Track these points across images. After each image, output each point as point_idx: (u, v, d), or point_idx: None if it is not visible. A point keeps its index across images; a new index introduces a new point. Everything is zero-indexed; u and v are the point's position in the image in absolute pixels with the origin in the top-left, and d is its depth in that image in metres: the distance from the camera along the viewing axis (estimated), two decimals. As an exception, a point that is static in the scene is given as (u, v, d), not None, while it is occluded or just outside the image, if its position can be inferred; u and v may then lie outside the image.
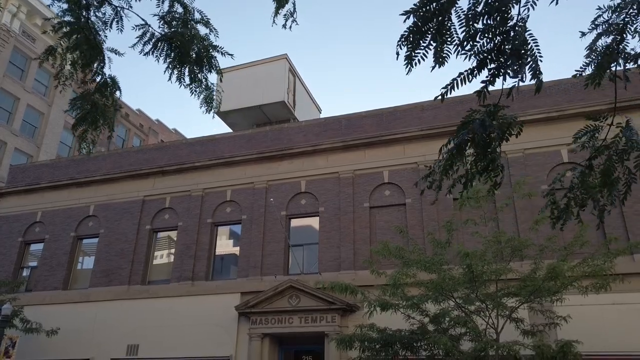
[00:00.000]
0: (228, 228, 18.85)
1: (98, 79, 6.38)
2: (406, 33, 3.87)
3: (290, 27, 6.27)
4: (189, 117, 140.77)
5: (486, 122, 4.01)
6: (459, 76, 3.95)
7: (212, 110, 6.60)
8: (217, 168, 19.11)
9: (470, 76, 3.91)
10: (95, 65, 6.27)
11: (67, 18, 5.97)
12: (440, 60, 3.90)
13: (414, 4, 3.82)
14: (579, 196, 4.91)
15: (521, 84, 3.92)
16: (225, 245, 18.64)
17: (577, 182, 4.86)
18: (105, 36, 6.17)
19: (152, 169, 19.87)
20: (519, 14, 3.70)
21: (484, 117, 4.04)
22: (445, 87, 4.01)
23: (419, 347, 10.84)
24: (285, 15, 6.17)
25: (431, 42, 3.87)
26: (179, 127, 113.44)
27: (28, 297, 19.07)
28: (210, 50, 6.22)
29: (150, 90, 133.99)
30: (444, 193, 4.87)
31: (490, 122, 4.04)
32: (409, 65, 3.93)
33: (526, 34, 3.68)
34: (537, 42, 3.72)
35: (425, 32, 3.84)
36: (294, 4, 6.15)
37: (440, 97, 4.01)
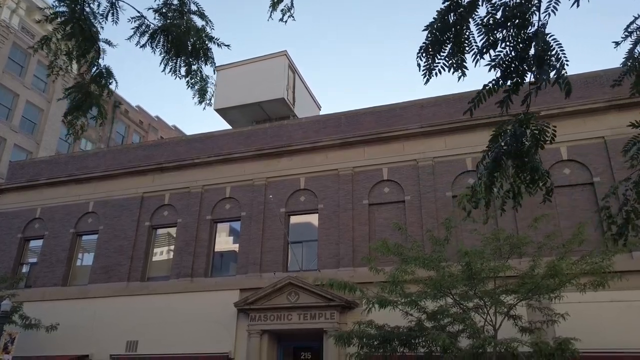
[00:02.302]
0: (227, 225, 18.86)
1: (93, 70, 6.38)
2: (425, 44, 3.85)
3: (286, 21, 6.25)
4: (188, 114, 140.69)
5: (517, 131, 3.95)
6: (484, 88, 3.92)
7: (205, 102, 6.60)
8: (216, 165, 19.11)
9: (495, 87, 3.88)
10: (90, 56, 6.27)
11: (62, 9, 5.97)
12: (462, 70, 3.89)
13: (433, 18, 3.80)
14: (638, 208, 4.81)
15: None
16: (224, 242, 18.66)
17: (632, 194, 4.74)
18: (102, 27, 6.16)
19: (151, 166, 19.87)
20: (539, 19, 3.65)
21: (514, 127, 3.98)
22: (472, 101, 3.98)
23: (417, 344, 10.86)
24: (282, 10, 6.16)
25: (450, 52, 3.86)
26: (178, 124, 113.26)
27: (27, 293, 19.08)
28: (206, 42, 6.22)
29: (150, 87, 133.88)
30: (496, 211, 4.77)
31: (521, 131, 3.96)
32: (428, 76, 3.93)
33: (550, 38, 3.61)
34: (561, 46, 3.64)
35: (444, 42, 3.82)
36: None
37: (468, 112, 4.00)
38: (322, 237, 16.70)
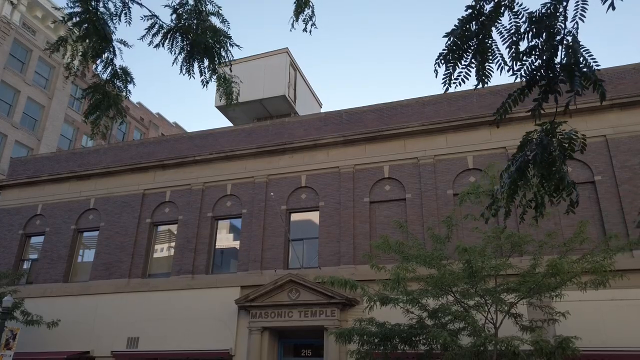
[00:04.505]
0: (228, 222, 18.88)
1: (108, 70, 6.40)
2: (445, 51, 3.81)
3: (310, 31, 6.26)
4: (189, 111, 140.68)
5: (544, 140, 3.88)
6: (509, 98, 3.88)
7: (232, 103, 6.64)
8: (218, 162, 19.11)
9: (521, 96, 3.83)
10: (105, 56, 6.28)
11: (76, 9, 5.97)
12: (483, 79, 3.82)
13: (455, 25, 3.75)
14: None
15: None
16: (225, 239, 18.68)
17: None
18: (115, 27, 6.16)
19: (153, 163, 19.88)
20: (565, 27, 3.59)
21: (541, 136, 3.91)
22: (498, 111, 3.94)
23: (417, 342, 10.86)
24: (304, 19, 6.17)
25: (472, 60, 3.81)
26: (179, 121, 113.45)
27: (29, 289, 19.14)
28: (224, 41, 6.22)
29: (151, 83, 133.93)
30: (515, 220, 4.76)
31: (548, 140, 3.89)
32: (448, 85, 3.88)
33: (577, 45, 3.55)
34: (589, 52, 3.57)
35: (465, 50, 3.77)
36: (312, 7, 6.14)
37: (496, 123, 3.97)
38: (322, 235, 16.71)
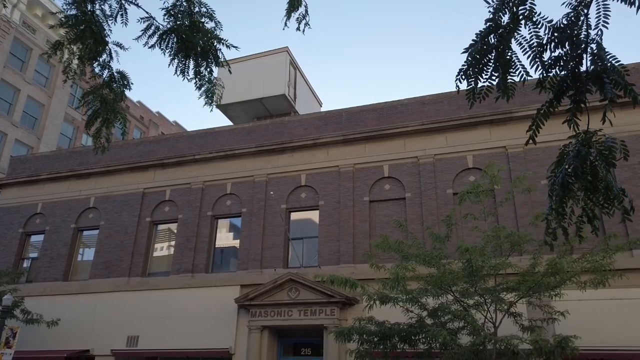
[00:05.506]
0: (228, 221, 18.88)
1: (105, 73, 6.36)
2: (465, 66, 3.81)
3: (304, 30, 6.23)
4: (189, 110, 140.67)
5: (582, 151, 3.80)
6: (538, 113, 3.89)
7: (212, 104, 6.60)
8: (218, 161, 19.11)
9: (550, 109, 3.84)
10: (101, 59, 6.25)
11: (72, 11, 5.95)
12: (508, 92, 3.81)
13: (473, 40, 3.73)
14: None
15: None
16: (225, 238, 18.68)
17: None
18: (110, 30, 6.14)
19: (153, 162, 19.88)
20: (588, 35, 3.57)
21: (578, 148, 3.84)
22: (530, 128, 3.97)
23: (417, 341, 10.87)
24: (297, 18, 6.14)
25: (493, 73, 3.80)
26: (179, 120, 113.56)
27: (28, 288, 19.15)
28: (215, 43, 6.19)
29: (151, 82, 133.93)
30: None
31: (586, 151, 3.81)
32: (472, 100, 3.91)
33: (603, 52, 3.53)
34: (616, 58, 3.54)
35: (485, 64, 3.76)
36: (305, 7, 6.10)
37: (531, 142, 4.01)
38: (322, 234, 16.71)
